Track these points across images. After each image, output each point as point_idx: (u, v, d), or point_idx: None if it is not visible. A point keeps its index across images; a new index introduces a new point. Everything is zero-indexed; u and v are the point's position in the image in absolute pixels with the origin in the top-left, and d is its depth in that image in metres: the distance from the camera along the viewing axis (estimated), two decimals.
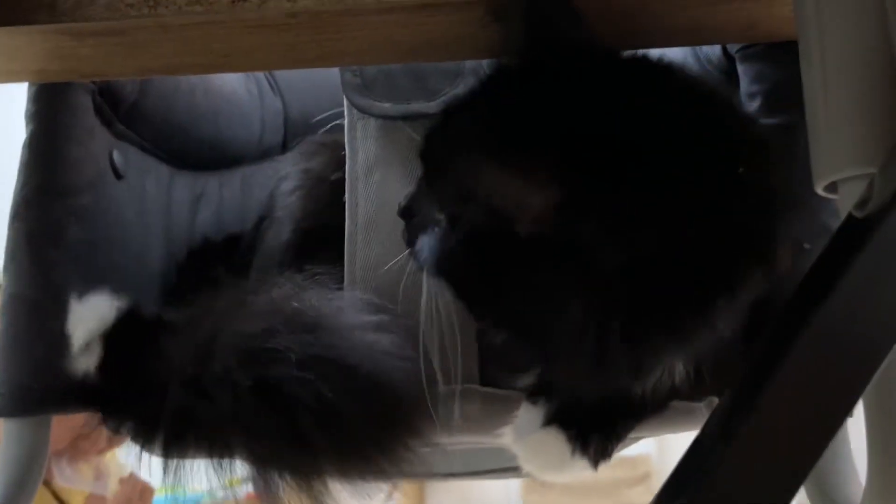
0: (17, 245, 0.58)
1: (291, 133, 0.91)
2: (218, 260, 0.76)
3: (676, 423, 0.57)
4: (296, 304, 0.55)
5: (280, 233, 0.71)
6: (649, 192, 0.43)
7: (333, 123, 0.71)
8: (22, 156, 0.60)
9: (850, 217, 0.44)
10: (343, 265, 0.60)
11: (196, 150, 0.79)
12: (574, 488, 3.86)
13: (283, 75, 0.90)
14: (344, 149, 0.66)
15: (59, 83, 0.61)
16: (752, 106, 0.58)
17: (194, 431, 0.53)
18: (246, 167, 0.88)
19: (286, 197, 0.74)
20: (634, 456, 3.89)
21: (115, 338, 0.58)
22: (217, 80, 0.80)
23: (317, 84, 0.89)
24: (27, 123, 0.61)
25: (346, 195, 0.61)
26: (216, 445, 0.53)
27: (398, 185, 0.59)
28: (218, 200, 0.84)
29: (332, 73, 0.87)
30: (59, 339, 0.57)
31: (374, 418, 0.51)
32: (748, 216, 0.47)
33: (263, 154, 0.90)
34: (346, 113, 0.63)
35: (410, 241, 0.54)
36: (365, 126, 0.62)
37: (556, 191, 0.42)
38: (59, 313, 0.57)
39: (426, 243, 0.52)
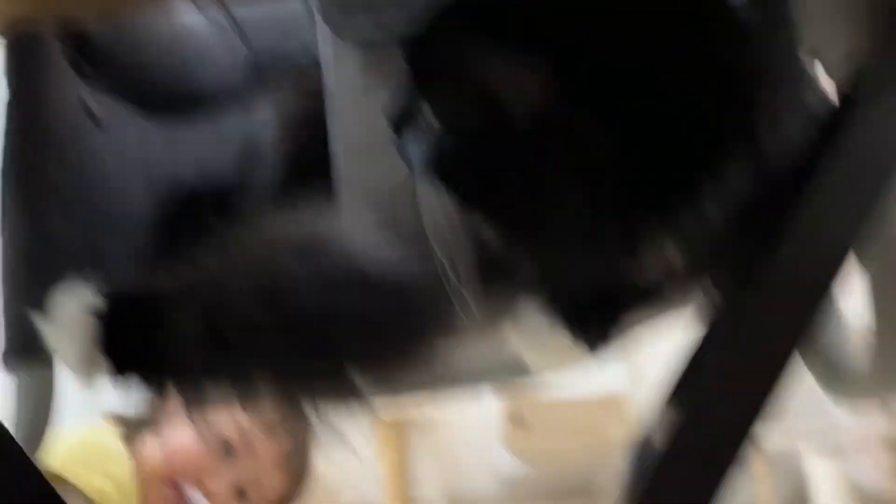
0: (8, 196, 0.58)
1: (258, 74, 0.90)
2: (205, 208, 0.76)
3: (673, 308, 0.59)
4: (299, 235, 0.56)
5: (265, 173, 0.71)
6: (637, 75, 0.45)
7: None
8: (6, 110, 0.60)
9: (839, 85, 0.46)
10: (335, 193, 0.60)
11: (166, 95, 0.79)
12: (553, 428, 3.95)
13: (245, 16, 0.88)
14: (317, 84, 0.66)
15: (31, 32, 0.60)
16: None
17: (215, 381, 0.54)
18: (216, 112, 0.88)
19: (270, 141, 0.74)
20: (612, 394, 3.99)
21: (110, 339, 0.53)
22: (181, 20, 0.79)
23: (281, 23, 0.88)
24: (6, 76, 0.60)
25: (332, 122, 0.62)
26: (241, 391, 0.54)
27: (384, 107, 0.60)
28: (192, 149, 0.83)
29: (297, 12, 0.87)
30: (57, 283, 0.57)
31: (407, 320, 0.52)
32: (730, 97, 0.48)
33: (231, 97, 0.89)
34: (323, 40, 0.63)
35: (403, 150, 0.54)
36: (345, 51, 0.62)
37: (553, 76, 0.43)
38: (54, 259, 0.57)
39: (419, 148, 0.52)
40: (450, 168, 0.50)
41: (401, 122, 0.55)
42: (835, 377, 0.55)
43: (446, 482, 3.87)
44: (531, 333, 0.56)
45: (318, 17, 0.62)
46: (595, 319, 0.55)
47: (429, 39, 0.51)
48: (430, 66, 0.51)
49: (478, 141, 0.48)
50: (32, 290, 0.56)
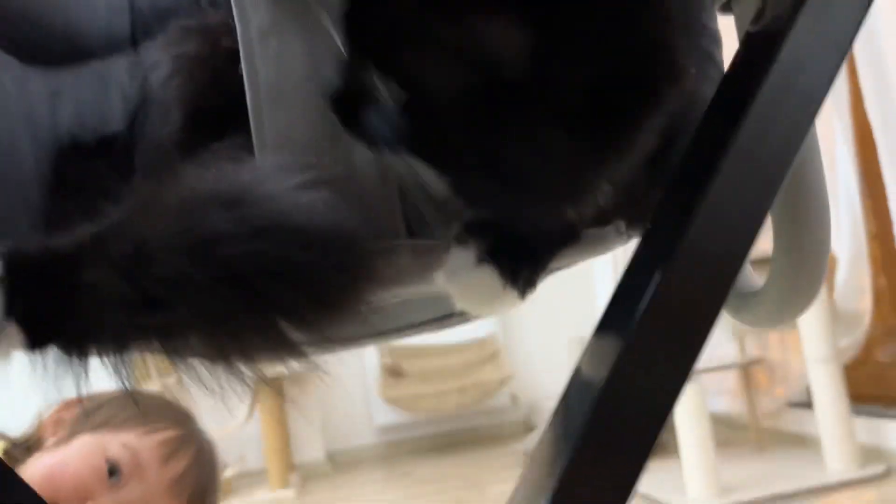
0: None
1: (140, 24, 0.85)
2: (95, 158, 0.71)
3: (589, 250, 0.62)
4: (217, 184, 0.53)
5: (168, 120, 0.67)
6: (593, 21, 0.46)
7: None
8: None
9: (747, 34, 0.49)
10: (248, 139, 0.58)
11: (46, 42, 0.73)
12: (428, 375, 4.03)
13: None
14: (216, 31, 0.64)
15: None
16: None
17: (143, 341, 0.51)
18: (97, 62, 0.82)
19: (164, 84, 0.70)
20: (482, 337, 4.12)
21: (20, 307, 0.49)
22: None
23: None
24: None
25: (243, 65, 0.59)
26: (171, 349, 0.51)
27: (299, 51, 0.59)
28: (75, 98, 0.78)
29: None
30: None
31: (340, 266, 0.51)
32: (664, 35, 0.50)
33: (113, 48, 0.84)
34: None
35: (350, 122, 0.53)
36: None
37: (531, 30, 0.44)
38: None
39: (379, 120, 0.51)
40: (416, 135, 0.50)
41: (347, 94, 0.53)
42: (738, 301, 0.60)
43: (325, 436, 3.89)
44: (462, 280, 0.57)
45: None
46: (526, 266, 0.57)
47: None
48: (385, 33, 0.50)
49: (453, 102, 0.48)
50: None
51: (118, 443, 0.96)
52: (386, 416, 4.00)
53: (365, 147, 0.53)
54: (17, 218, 0.61)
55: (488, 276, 0.56)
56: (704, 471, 2.39)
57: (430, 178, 0.54)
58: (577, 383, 0.49)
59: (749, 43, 0.48)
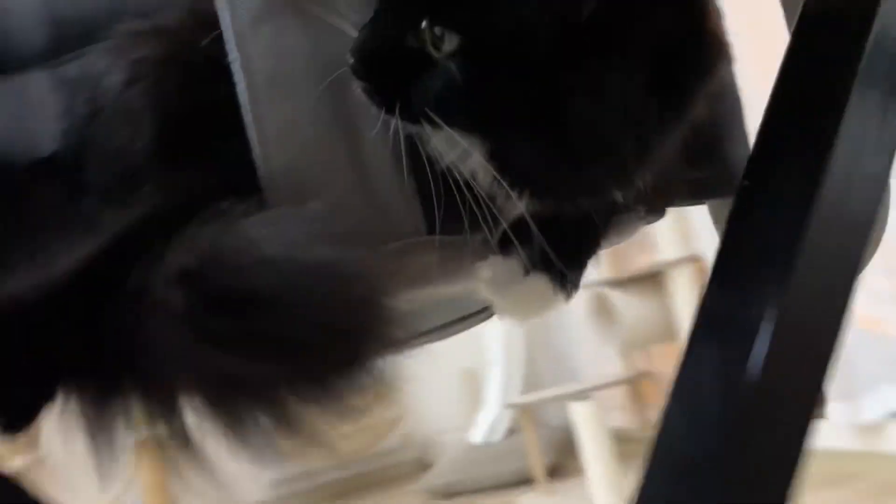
0: None
1: (62, 33, 0.76)
2: (30, 185, 0.62)
3: (614, 237, 0.60)
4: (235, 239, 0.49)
5: (136, 132, 0.59)
6: None
7: None
8: None
9: None
10: (236, 159, 0.52)
11: None
12: None
13: None
14: (179, 31, 0.60)
15: None
16: None
17: None
18: (8, 77, 0.72)
19: (121, 92, 0.62)
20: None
21: None
22: None
23: None
24: None
25: (235, 57, 0.53)
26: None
27: (297, 34, 0.54)
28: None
29: None
30: None
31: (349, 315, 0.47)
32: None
33: (25, 61, 0.74)
34: None
35: (384, 94, 0.49)
36: None
37: None
38: None
39: (435, 91, 0.48)
40: (471, 91, 0.47)
41: (378, 60, 0.49)
42: None
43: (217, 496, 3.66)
44: (511, 292, 0.54)
45: None
46: (570, 272, 0.55)
47: None
48: None
49: (524, 60, 0.46)
50: None
51: None
52: (277, 468, 3.81)
53: (402, 126, 0.50)
54: None
55: (539, 287, 0.54)
56: (608, 487, 2.41)
57: (477, 161, 0.50)
58: None
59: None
